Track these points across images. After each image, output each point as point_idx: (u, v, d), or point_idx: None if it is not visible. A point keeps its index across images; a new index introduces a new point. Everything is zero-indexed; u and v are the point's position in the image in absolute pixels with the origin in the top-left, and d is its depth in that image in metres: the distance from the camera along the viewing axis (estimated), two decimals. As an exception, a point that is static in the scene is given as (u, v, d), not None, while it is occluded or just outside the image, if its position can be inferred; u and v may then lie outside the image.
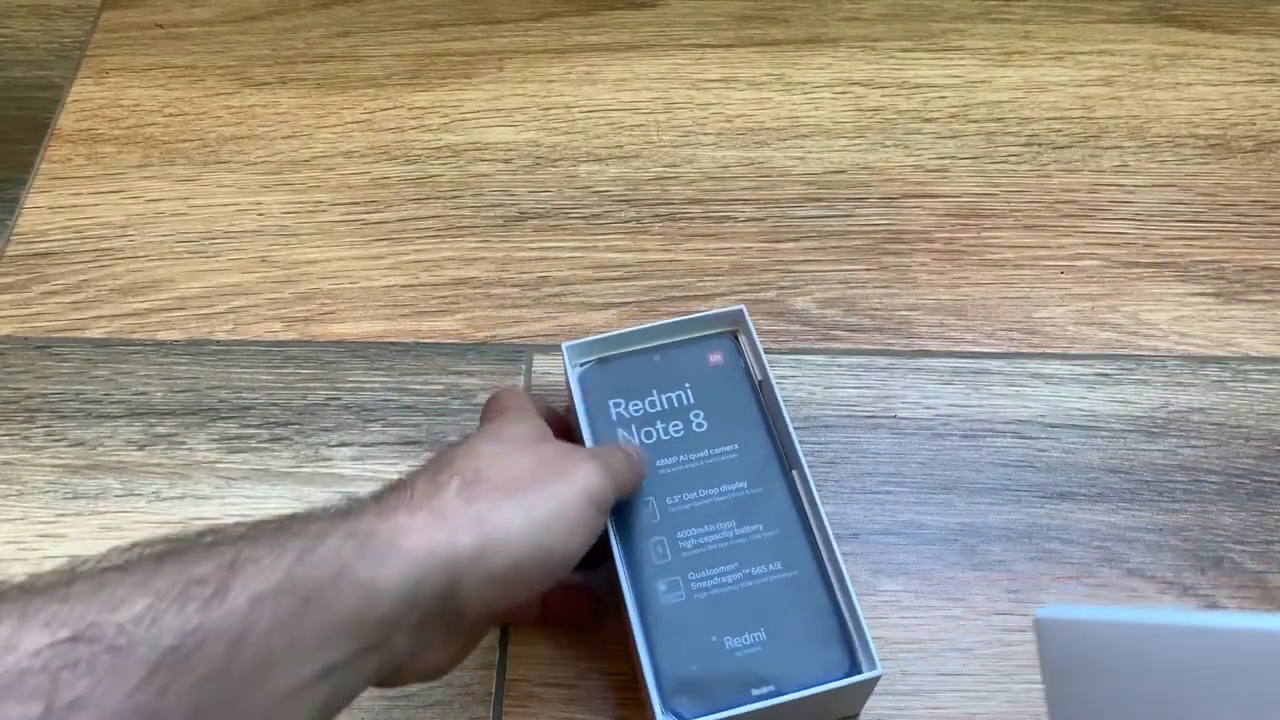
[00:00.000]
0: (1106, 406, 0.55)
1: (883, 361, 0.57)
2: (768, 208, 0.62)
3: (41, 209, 0.64)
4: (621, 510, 0.46)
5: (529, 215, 0.62)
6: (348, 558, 0.33)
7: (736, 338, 0.51)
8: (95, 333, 0.59)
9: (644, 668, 0.42)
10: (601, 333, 0.51)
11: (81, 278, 0.61)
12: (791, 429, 0.47)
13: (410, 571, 0.34)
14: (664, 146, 0.65)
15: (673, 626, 0.43)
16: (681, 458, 0.47)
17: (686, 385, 0.49)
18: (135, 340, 0.58)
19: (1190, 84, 0.67)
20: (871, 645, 0.42)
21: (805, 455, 0.47)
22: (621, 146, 0.65)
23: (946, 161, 0.64)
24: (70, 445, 0.55)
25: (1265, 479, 0.53)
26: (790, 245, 0.61)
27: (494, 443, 0.40)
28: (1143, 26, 0.70)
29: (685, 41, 0.70)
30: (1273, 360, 0.56)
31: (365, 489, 0.52)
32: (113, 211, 0.63)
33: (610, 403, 0.49)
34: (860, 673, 0.42)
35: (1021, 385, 0.56)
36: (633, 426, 0.48)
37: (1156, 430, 0.54)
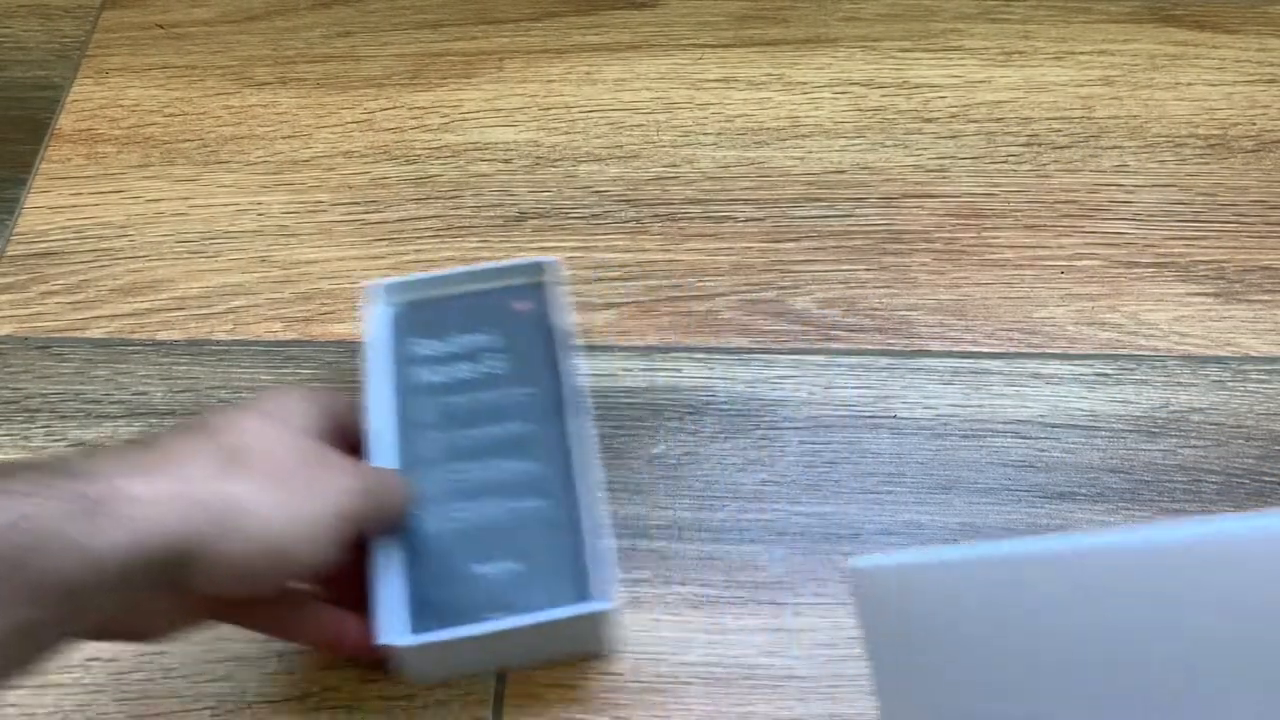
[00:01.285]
0: (1106, 406, 0.55)
1: (883, 361, 0.57)
2: (768, 208, 0.62)
3: (41, 209, 0.64)
4: (407, 441, 0.48)
5: (529, 215, 0.63)
6: (65, 520, 0.32)
7: (544, 287, 0.52)
8: (95, 333, 0.59)
9: (378, 586, 0.43)
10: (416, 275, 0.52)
11: (81, 278, 0.61)
12: (578, 376, 0.48)
13: (130, 541, 0.33)
14: (664, 146, 0.65)
15: (423, 551, 0.45)
16: (470, 396, 0.49)
17: (489, 329, 0.51)
18: (135, 340, 0.58)
19: (1190, 84, 0.67)
20: (610, 582, 0.43)
21: (588, 400, 0.49)
22: (621, 146, 0.65)
23: (946, 161, 0.64)
24: (70, 445, 0.55)
25: (1265, 479, 0.53)
26: (790, 245, 0.61)
27: (263, 420, 0.39)
28: (1143, 26, 0.70)
29: (685, 41, 0.70)
30: (1273, 360, 0.56)
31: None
32: (113, 211, 0.63)
33: (411, 340, 0.51)
34: (590, 602, 0.43)
35: (1021, 385, 0.56)
36: (431, 365, 0.50)
37: (1156, 430, 0.54)
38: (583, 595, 0.44)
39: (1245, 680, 0.25)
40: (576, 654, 0.48)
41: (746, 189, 0.63)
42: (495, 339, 0.51)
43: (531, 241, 0.61)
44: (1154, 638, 0.27)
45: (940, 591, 0.32)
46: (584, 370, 0.48)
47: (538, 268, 0.52)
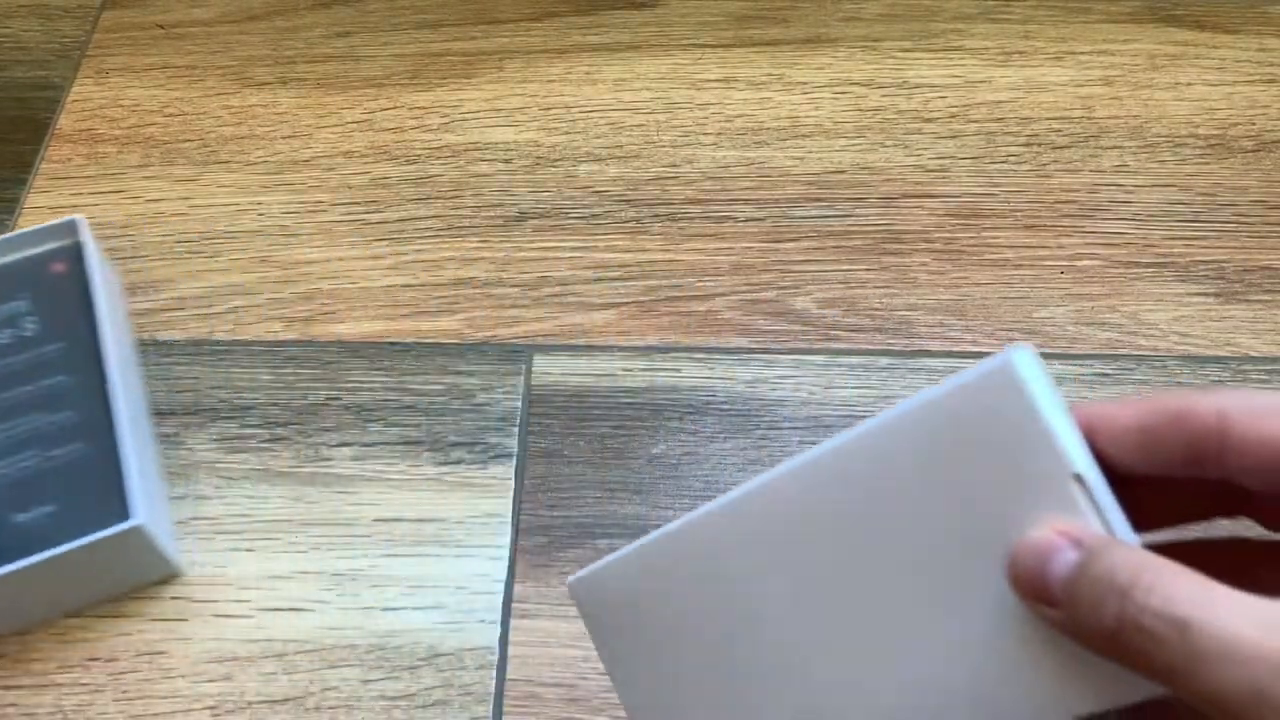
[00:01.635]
0: (1106, 406, 0.55)
1: (883, 361, 0.57)
2: (768, 208, 0.62)
3: (41, 209, 0.64)
4: None
5: (529, 215, 0.63)
6: None
7: (79, 246, 0.55)
8: (95, 333, 0.59)
9: None
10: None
11: (81, 278, 0.61)
12: (112, 327, 0.51)
13: None
14: (664, 146, 0.65)
15: None
16: (3, 362, 0.51)
17: (23, 294, 0.54)
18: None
19: (1190, 84, 0.67)
20: (138, 502, 0.46)
21: (140, 352, 0.52)
22: (621, 146, 0.65)
23: (946, 161, 0.64)
24: (70, 445, 0.55)
25: (1265, 479, 0.53)
26: (790, 245, 0.61)
27: None
28: (1143, 26, 0.70)
29: (685, 41, 0.70)
30: (1273, 360, 0.56)
31: (365, 489, 0.53)
32: (113, 211, 0.63)
33: None
34: (118, 524, 0.45)
35: (1021, 385, 0.56)
36: None
37: (1156, 430, 0.54)
38: (113, 521, 0.46)
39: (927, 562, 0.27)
40: (142, 581, 0.50)
41: (746, 189, 0.63)
42: (30, 303, 0.53)
43: (532, 241, 0.61)
44: (842, 547, 0.28)
45: (649, 578, 0.34)
46: (124, 315, 0.51)
47: (69, 227, 0.55)
